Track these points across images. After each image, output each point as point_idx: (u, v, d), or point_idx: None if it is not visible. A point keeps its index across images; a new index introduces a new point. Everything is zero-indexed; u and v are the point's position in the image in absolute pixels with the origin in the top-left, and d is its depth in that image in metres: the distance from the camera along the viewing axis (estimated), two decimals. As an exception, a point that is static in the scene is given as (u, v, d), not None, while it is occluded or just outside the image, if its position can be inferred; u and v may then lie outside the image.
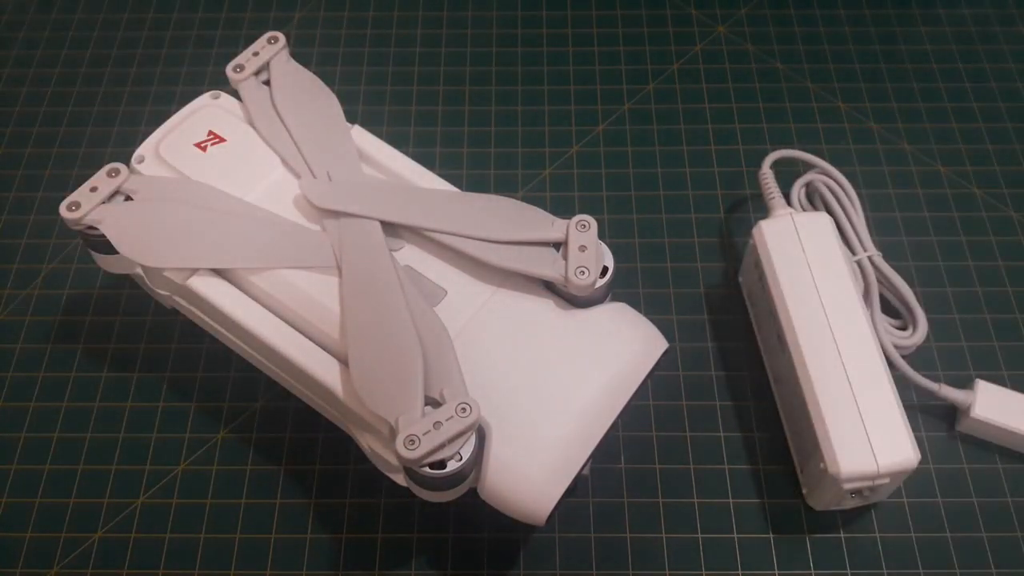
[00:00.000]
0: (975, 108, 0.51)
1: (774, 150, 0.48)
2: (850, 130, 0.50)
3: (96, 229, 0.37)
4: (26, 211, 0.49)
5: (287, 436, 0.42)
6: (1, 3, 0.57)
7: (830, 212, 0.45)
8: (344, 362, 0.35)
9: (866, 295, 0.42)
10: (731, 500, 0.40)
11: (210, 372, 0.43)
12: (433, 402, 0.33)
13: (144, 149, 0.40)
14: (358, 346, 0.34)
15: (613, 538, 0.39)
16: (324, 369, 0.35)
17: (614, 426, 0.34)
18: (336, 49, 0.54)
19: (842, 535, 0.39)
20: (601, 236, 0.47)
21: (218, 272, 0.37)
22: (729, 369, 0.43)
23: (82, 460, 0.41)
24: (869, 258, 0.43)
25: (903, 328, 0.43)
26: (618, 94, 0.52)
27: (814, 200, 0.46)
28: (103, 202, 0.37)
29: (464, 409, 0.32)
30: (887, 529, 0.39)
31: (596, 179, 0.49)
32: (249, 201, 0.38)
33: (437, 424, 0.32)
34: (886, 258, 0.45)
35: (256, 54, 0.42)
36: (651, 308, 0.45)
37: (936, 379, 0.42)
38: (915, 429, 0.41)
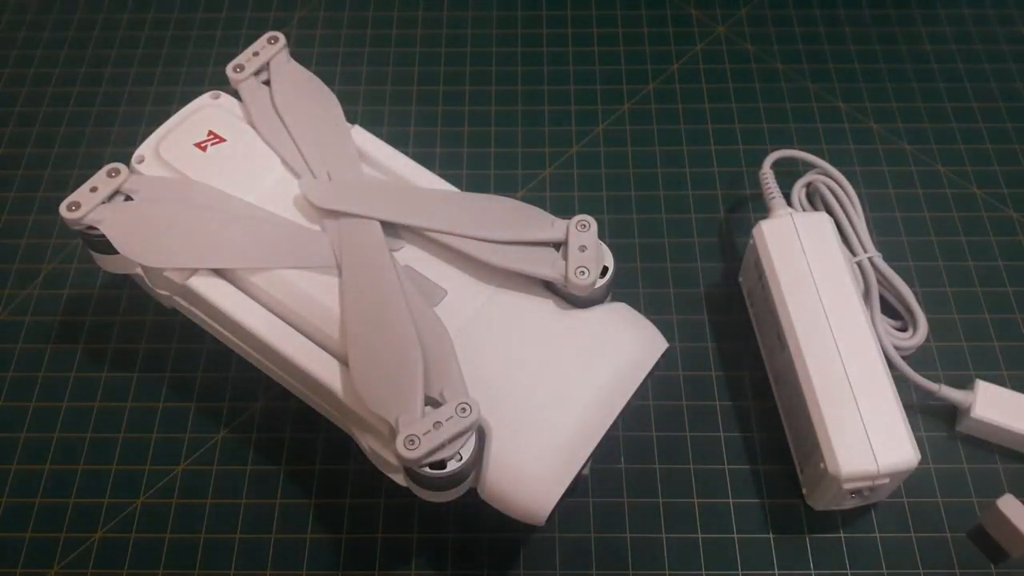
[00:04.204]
0: (975, 108, 0.51)
1: (774, 150, 0.48)
2: (850, 130, 0.50)
3: (96, 229, 0.37)
4: (26, 211, 0.49)
5: (287, 436, 0.42)
6: (1, 3, 0.57)
7: (830, 212, 0.45)
8: (344, 362, 0.35)
9: (866, 296, 0.42)
10: (731, 500, 0.40)
11: (210, 372, 0.43)
12: (433, 402, 0.33)
13: (144, 149, 0.40)
14: (358, 346, 0.34)
15: (613, 538, 0.39)
16: (324, 369, 0.35)
17: (614, 426, 0.34)
18: (336, 49, 0.54)
19: (842, 535, 0.39)
20: (601, 236, 0.47)
21: (218, 272, 0.37)
22: (729, 369, 0.43)
23: (82, 460, 0.41)
24: (869, 259, 0.43)
25: (903, 329, 0.43)
26: (618, 94, 0.52)
27: (814, 200, 0.46)
28: (103, 202, 0.37)
29: (464, 409, 0.32)
30: (887, 529, 0.39)
31: (596, 179, 0.49)
32: (249, 201, 0.38)
33: (437, 424, 0.32)
34: (886, 258, 0.45)
35: (256, 54, 0.42)
36: (651, 308, 0.45)
37: (936, 379, 0.42)
38: (915, 429, 0.41)
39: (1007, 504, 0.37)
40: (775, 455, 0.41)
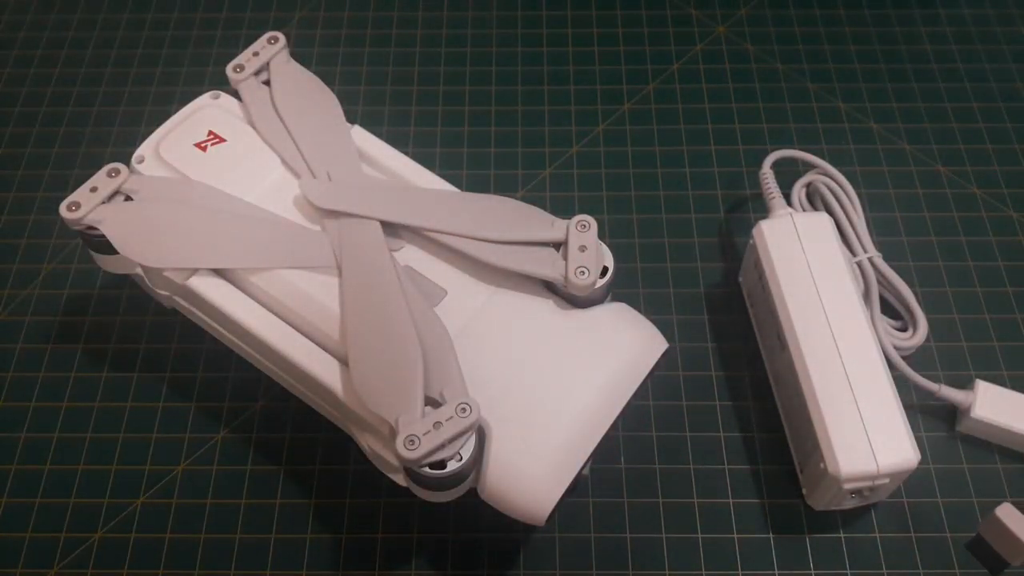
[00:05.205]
0: (975, 108, 0.51)
1: (774, 150, 0.48)
2: (850, 130, 0.50)
3: (96, 229, 0.37)
4: (26, 211, 0.49)
5: (287, 436, 0.42)
6: (1, 3, 0.57)
7: (830, 212, 0.45)
8: (344, 362, 0.35)
9: (866, 296, 0.42)
10: (731, 500, 0.40)
11: (210, 372, 0.43)
12: (433, 402, 0.33)
13: (144, 149, 0.40)
14: (358, 346, 0.34)
15: (613, 538, 0.39)
16: (324, 369, 0.35)
17: (614, 426, 0.34)
18: (336, 49, 0.54)
19: (842, 535, 0.39)
20: (601, 236, 0.47)
21: (218, 272, 0.37)
22: (729, 369, 0.43)
23: (82, 460, 0.41)
24: (869, 259, 0.43)
25: (903, 329, 0.43)
26: (618, 94, 0.52)
27: (814, 200, 0.46)
28: (103, 202, 0.37)
29: (464, 409, 0.32)
30: (887, 529, 0.39)
31: (596, 179, 0.49)
32: (249, 201, 0.38)
33: (437, 424, 0.32)
34: (886, 258, 0.45)
35: (256, 54, 0.42)
36: (651, 308, 0.45)
37: (936, 379, 0.42)
38: (915, 429, 0.41)
39: (1006, 513, 0.37)
40: (775, 455, 0.41)
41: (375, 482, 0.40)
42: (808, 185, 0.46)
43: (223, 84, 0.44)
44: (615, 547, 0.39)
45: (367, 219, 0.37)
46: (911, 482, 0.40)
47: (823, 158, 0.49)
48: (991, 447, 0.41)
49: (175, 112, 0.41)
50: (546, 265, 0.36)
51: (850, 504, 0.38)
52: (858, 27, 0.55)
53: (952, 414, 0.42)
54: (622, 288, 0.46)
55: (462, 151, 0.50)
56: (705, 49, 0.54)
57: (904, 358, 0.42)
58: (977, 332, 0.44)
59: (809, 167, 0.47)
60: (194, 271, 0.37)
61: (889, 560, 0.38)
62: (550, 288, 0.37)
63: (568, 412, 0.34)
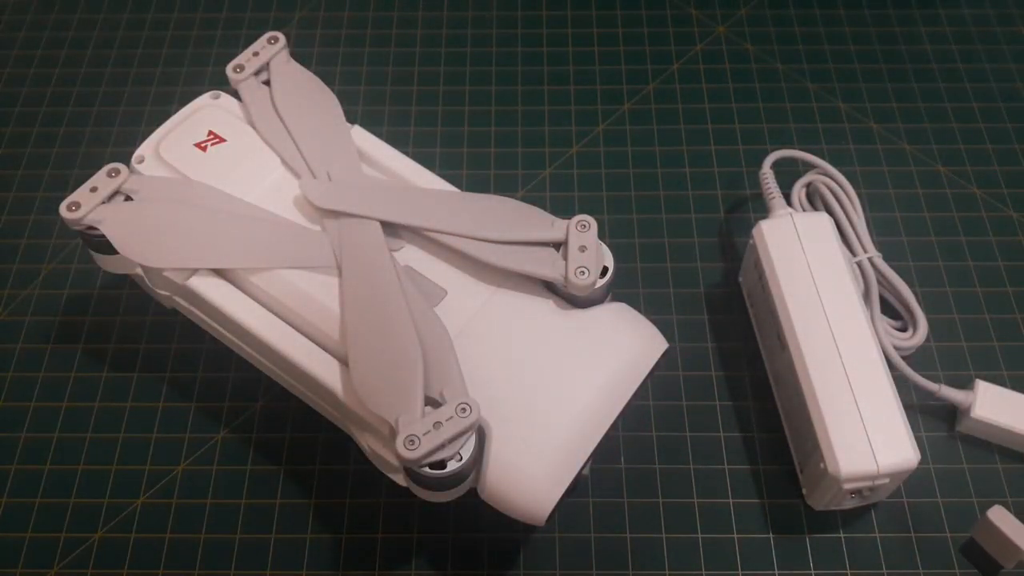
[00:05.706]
0: (975, 108, 0.51)
1: (774, 150, 0.48)
2: (850, 130, 0.50)
3: (96, 229, 0.37)
4: (26, 211, 0.49)
5: (287, 436, 0.42)
6: (1, 3, 0.57)
7: (830, 212, 0.45)
8: (344, 362, 0.35)
9: (866, 296, 0.42)
10: (731, 500, 0.40)
11: (210, 372, 0.43)
12: (433, 402, 0.33)
13: (144, 149, 0.40)
14: (358, 346, 0.34)
15: (613, 538, 0.39)
16: (324, 369, 0.35)
17: (614, 426, 0.34)
18: (336, 49, 0.54)
19: (842, 535, 0.39)
20: (601, 236, 0.47)
21: (218, 272, 0.37)
22: (729, 369, 0.43)
23: (82, 460, 0.41)
24: (869, 259, 0.43)
25: (903, 329, 0.43)
26: (618, 94, 0.52)
27: (814, 200, 0.46)
28: (103, 202, 0.37)
29: (464, 409, 0.32)
30: (887, 529, 0.39)
31: (596, 179, 0.49)
32: (249, 201, 0.38)
33: (437, 424, 0.32)
34: (886, 258, 0.45)
35: (256, 54, 0.42)
36: (651, 308, 0.45)
37: (936, 379, 0.42)
38: (915, 429, 0.41)
39: (997, 515, 0.37)
40: (775, 455, 0.41)
41: (375, 482, 0.40)
42: (808, 185, 0.46)
43: (223, 84, 0.44)
44: (615, 547, 0.39)
45: (367, 219, 0.37)
46: (911, 482, 0.40)
47: (823, 158, 0.49)
48: (991, 447, 0.41)
49: (175, 112, 0.41)
50: (546, 265, 0.36)
51: (850, 504, 0.38)
52: (858, 27, 0.55)
53: (952, 414, 0.42)
54: (622, 288, 0.46)
55: (462, 151, 0.50)
56: (705, 49, 0.54)
57: (904, 358, 0.42)
58: (977, 332, 0.44)
59: (809, 167, 0.47)
60: (194, 271, 0.37)
61: (889, 560, 0.38)
62: (550, 288, 0.37)
63: (568, 412, 0.34)
